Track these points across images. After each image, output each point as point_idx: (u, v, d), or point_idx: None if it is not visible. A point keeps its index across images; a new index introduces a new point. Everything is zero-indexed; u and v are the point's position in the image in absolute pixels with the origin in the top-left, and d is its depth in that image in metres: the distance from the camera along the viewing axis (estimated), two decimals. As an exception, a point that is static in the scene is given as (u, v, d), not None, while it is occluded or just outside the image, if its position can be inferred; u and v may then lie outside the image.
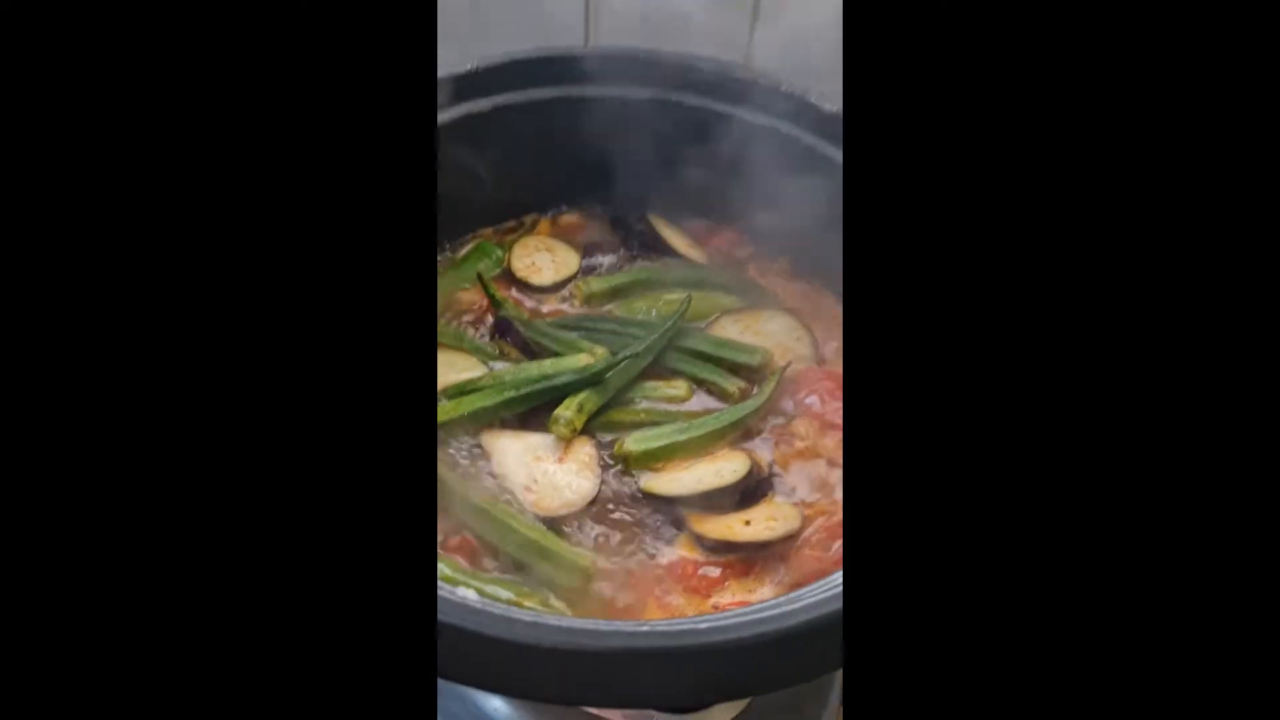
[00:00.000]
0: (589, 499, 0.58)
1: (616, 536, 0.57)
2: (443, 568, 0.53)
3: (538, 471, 0.59)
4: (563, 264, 0.75)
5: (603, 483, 0.59)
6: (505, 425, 0.63)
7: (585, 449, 0.61)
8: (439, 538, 0.55)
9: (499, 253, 0.75)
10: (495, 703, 0.67)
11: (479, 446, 0.61)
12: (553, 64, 0.73)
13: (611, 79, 0.74)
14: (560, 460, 0.60)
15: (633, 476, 0.60)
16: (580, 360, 0.64)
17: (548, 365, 0.64)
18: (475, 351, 0.67)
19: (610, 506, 0.58)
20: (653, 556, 0.56)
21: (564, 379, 0.63)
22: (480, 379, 0.64)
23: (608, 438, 0.62)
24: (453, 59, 0.70)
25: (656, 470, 0.60)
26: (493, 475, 0.59)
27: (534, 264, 0.74)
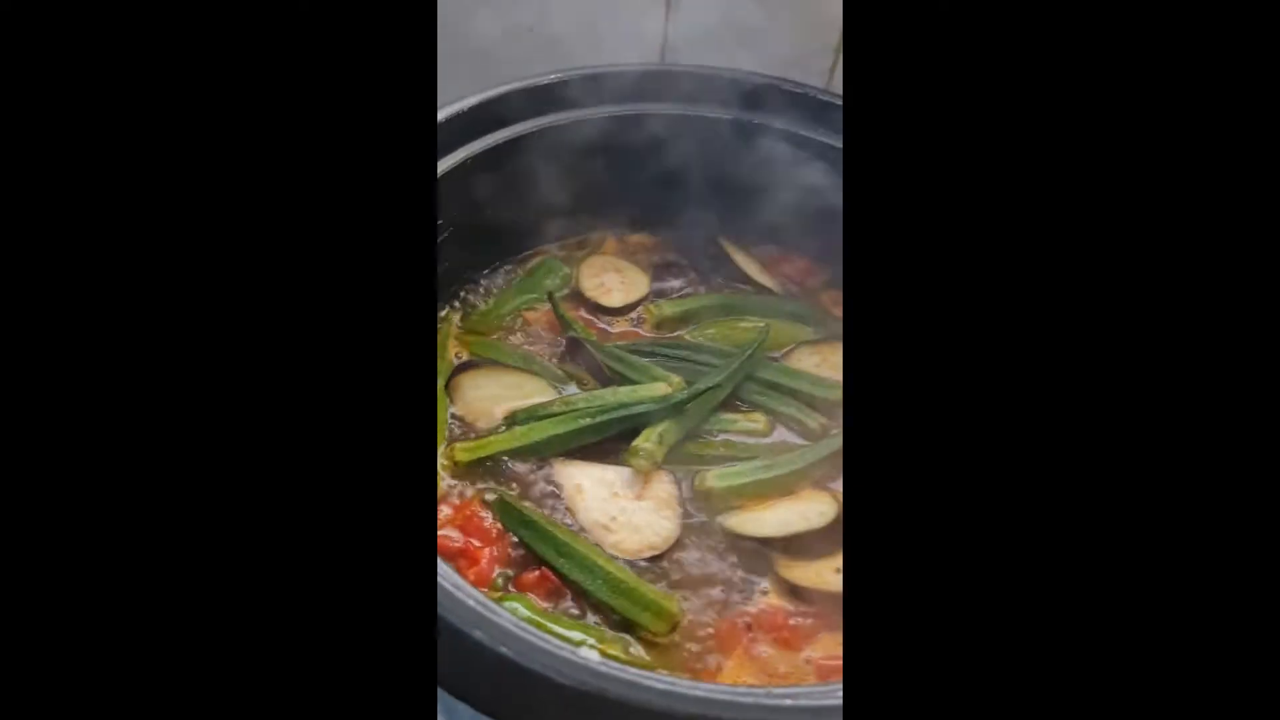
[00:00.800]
0: (671, 542, 0.54)
1: (699, 580, 0.53)
2: (518, 606, 0.50)
3: (615, 509, 0.55)
4: (632, 286, 0.71)
5: (684, 522, 0.55)
6: (575, 455, 0.59)
7: (664, 485, 0.57)
8: (513, 571, 0.52)
9: (565, 270, 0.72)
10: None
11: (551, 478, 0.57)
12: (627, 79, 0.70)
13: (688, 98, 0.71)
14: (639, 497, 0.56)
15: (715, 515, 0.56)
16: (658, 389, 0.60)
17: (624, 394, 0.60)
18: (544, 374, 0.64)
19: (691, 547, 0.55)
20: (738, 603, 0.52)
21: (642, 409, 0.59)
22: (551, 404, 0.61)
23: (683, 473, 0.58)
24: (532, 71, 0.67)
25: (737, 508, 0.57)
26: (568, 510, 0.56)
27: (603, 284, 0.71)
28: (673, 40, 0.79)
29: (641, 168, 0.71)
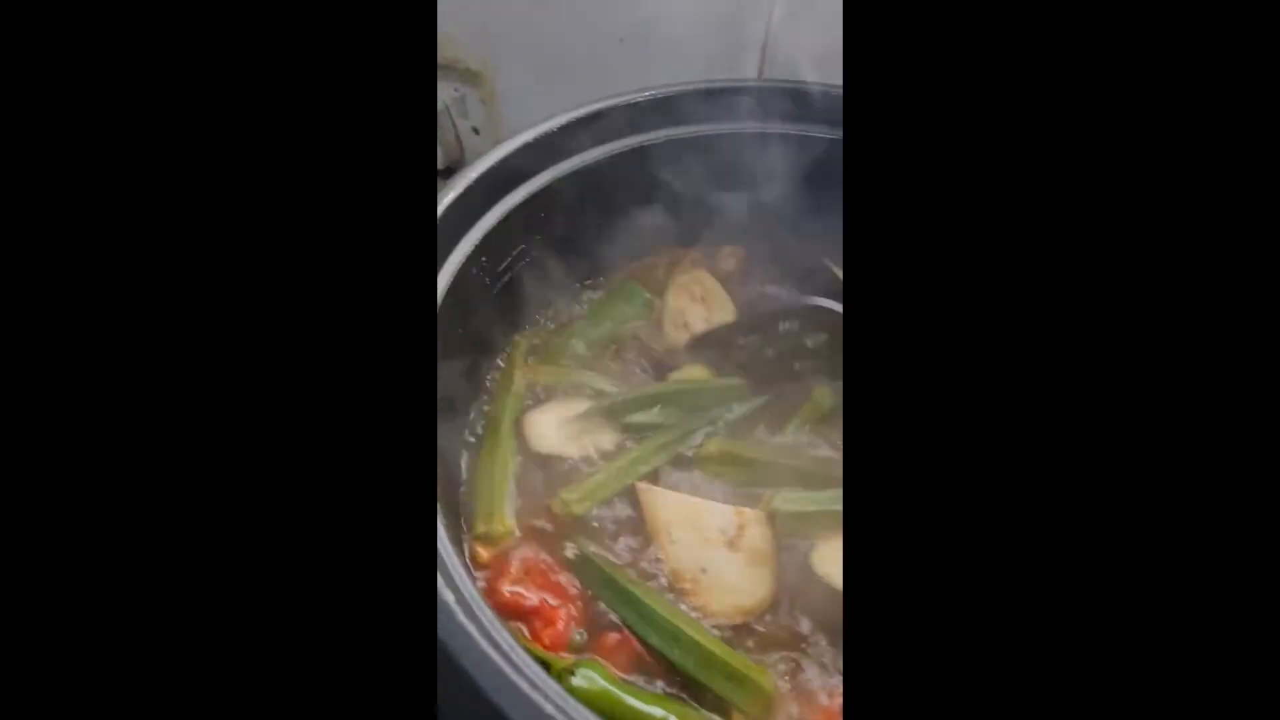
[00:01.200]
0: (764, 607, 0.48)
1: (788, 638, 0.47)
2: (594, 674, 0.45)
3: (705, 559, 0.49)
4: (719, 312, 0.66)
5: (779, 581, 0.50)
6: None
7: (761, 533, 0.51)
8: (590, 630, 0.47)
9: (645, 295, 0.67)
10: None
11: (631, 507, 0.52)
12: (723, 96, 0.65)
13: (787, 116, 0.65)
14: (732, 545, 0.50)
15: (805, 560, 0.50)
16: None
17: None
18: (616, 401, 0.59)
19: (783, 605, 0.49)
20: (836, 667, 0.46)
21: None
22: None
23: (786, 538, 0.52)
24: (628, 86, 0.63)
25: (827, 541, 0.50)
26: (653, 546, 0.50)
27: (685, 320, 0.66)
28: (772, 56, 0.74)
29: (736, 188, 0.66)
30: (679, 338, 0.65)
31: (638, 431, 0.57)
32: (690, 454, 0.56)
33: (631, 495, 0.53)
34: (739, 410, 0.59)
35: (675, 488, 0.54)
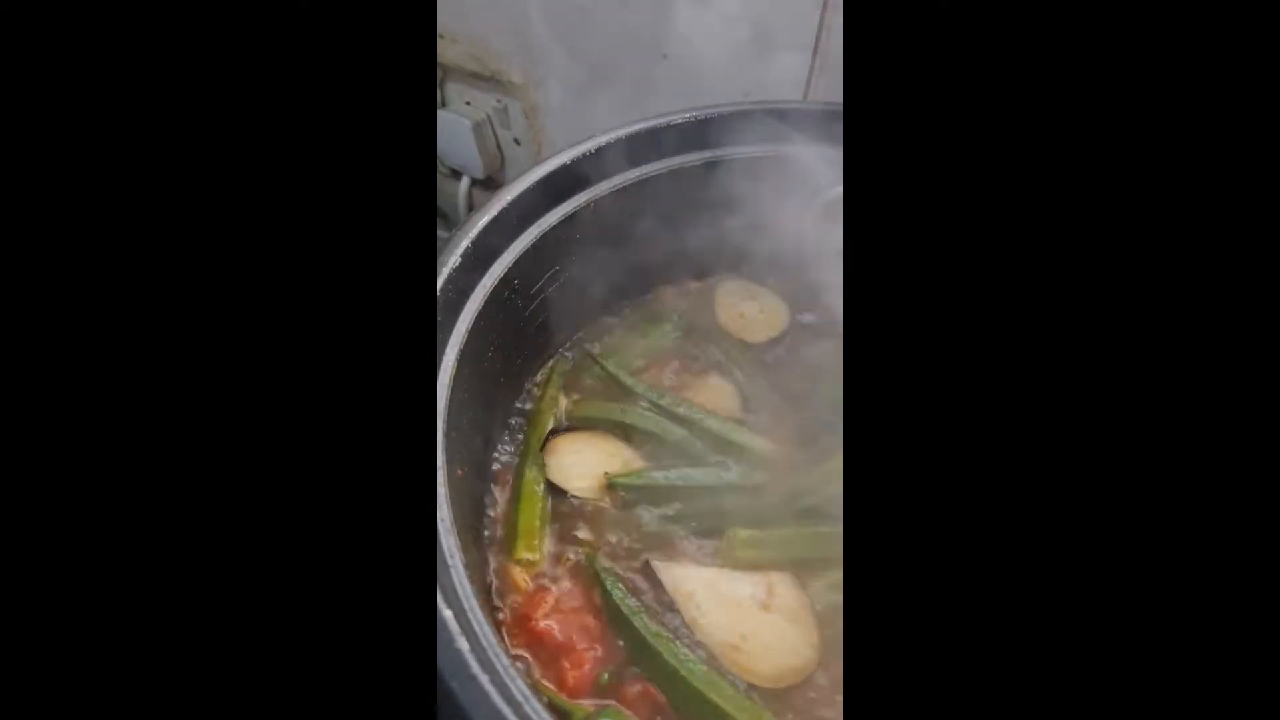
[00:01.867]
0: (813, 666, 0.46)
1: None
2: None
3: (742, 626, 0.46)
4: (773, 316, 0.65)
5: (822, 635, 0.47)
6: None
7: (790, 591, 0.48)
8: (617, 671, 0.45)
9: (674, 319, 0.66)
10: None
11: (645, 573, 0.49)
12: (767, 118, 0.63)
13: (835, 138, 0.63)
14: (764, 608, 0.48)
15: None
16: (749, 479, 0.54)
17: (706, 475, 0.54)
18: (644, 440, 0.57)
19: (830, 664, 0.46)
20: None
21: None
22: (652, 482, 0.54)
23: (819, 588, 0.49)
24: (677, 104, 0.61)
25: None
26: (685, 624, 0.47)
27: (742, 315, 0.65)
28: (817, 77, 0.71)
29: (778, 210, 0.64)
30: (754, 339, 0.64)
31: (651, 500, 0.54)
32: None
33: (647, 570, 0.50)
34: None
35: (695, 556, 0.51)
